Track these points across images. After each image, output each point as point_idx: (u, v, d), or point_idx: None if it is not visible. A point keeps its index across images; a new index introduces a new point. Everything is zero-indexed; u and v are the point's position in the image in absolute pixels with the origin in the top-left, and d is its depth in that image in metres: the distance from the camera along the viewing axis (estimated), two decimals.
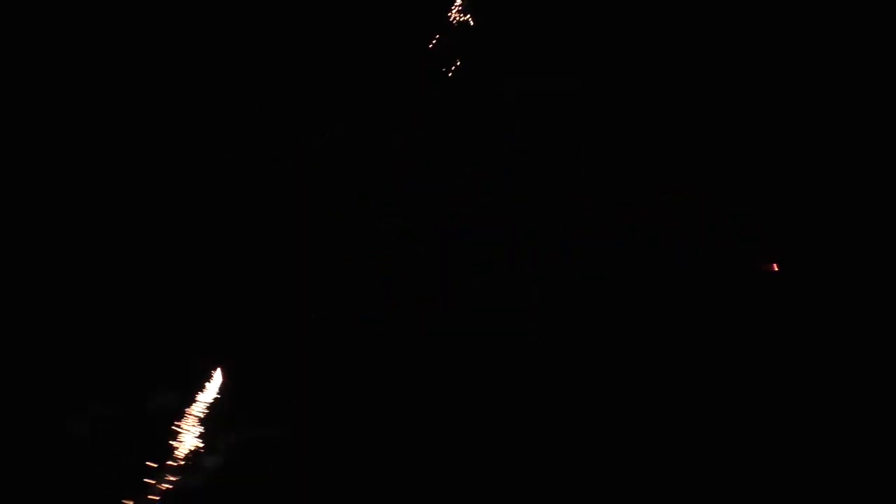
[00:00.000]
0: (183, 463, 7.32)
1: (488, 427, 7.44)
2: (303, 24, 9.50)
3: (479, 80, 9.70)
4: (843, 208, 8.41)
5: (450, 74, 9.71)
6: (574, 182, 8.93)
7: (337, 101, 9.43)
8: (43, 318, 7.65)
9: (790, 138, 8.84)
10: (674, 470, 7.02)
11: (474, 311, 8.22)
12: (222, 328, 8.17)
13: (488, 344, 7.95)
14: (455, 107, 9.61)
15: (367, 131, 9.38)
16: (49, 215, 8.19)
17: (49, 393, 7.25)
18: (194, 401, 7.76)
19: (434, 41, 9.79)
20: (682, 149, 9.00)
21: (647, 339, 7.90)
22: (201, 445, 7.44)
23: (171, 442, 7.39)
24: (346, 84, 9.47)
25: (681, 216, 8.54)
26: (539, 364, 7.83)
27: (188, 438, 7.52)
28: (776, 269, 8.17)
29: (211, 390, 7.91)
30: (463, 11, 9.93)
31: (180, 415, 7.60)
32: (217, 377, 7.97)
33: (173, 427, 7.47)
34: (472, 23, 9.94)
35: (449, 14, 9.91)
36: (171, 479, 7.16)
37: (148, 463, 7.12)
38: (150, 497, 7.00)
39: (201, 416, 7.71)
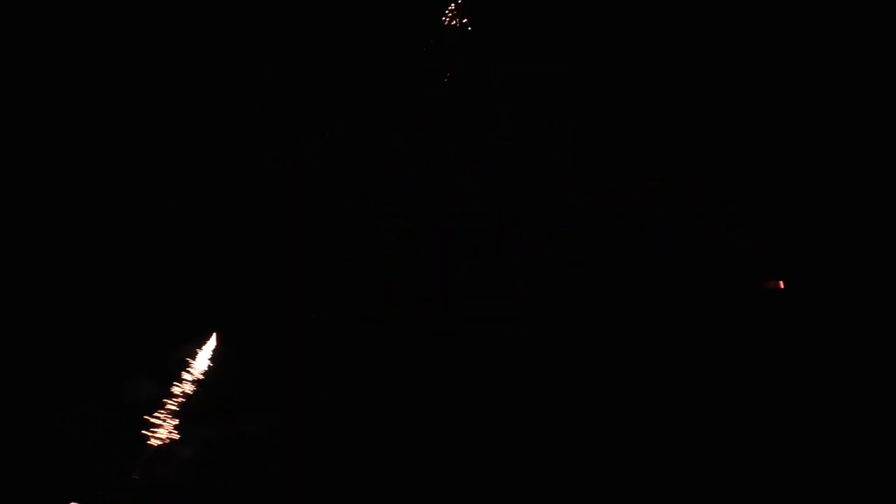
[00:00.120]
0: (182, 460, 7.33)
1: (487, 426, 7.48)
2: (303, 25, 9.51)
3: (478, 81, 9.71)
4: (828, 193, 8.42)
5: (449, 75, 9.72)
6: (560, 169, 8.97)
7: (337, 101, 9.43)
8: (43, 317, 7.67)
9: (774, 125, 8.85)
10: (657, 456, 7.13)
11: (465, 298, 8.29)
12: (222, 327, 8.19)
13: (479, 336, 8.02)
14: (455, 107, 9.61)
15: (367, 131, 9.38)
16: (49, 215, 8.19)
17: (49, 393, 7.27)
18: (193, 398, 7.76)
19: (433, 41, 9.80)
20: (668, 136, 9.02)
21: (633, 324, 7.96)
22: (201, 444, 7.45)
23: (169, 438, 7.40)
24: (345, 84, 9.48)
25: (666, 203, 8.59)
26: (526, 350, 7.89)
27: (188, 436, 7.53)
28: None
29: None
30: (462, 12, 9.93)
31: (178, 412, 7.60)
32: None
33: (174, 428, 7.48)
34: (471, 23, 9.94)
35: (448, 14, 9.92)
36: (169, 476, 7.17)
37: (139, 459, 7.15)
38: (148, 493, 7.01)
39: (200, 414, 7.72)
